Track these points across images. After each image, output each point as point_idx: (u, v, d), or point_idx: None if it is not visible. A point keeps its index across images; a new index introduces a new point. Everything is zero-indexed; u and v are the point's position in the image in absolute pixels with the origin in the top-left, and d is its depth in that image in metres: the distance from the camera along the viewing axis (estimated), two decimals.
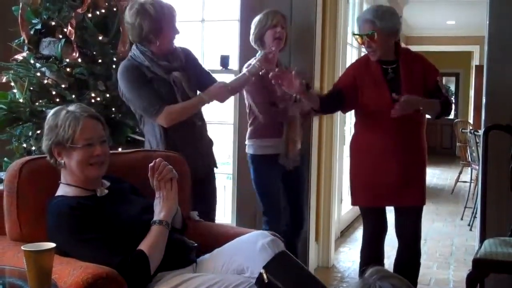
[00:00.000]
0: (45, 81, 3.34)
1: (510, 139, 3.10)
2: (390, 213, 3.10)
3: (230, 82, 3.00)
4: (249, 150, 3.34)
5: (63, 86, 3.32)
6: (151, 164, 2.14)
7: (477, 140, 5.22)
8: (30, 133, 3.34)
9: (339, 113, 4.05)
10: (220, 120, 4.19)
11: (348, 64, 5.01)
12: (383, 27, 2.86)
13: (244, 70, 3.09)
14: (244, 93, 3.28)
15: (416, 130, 3.00)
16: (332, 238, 4.36)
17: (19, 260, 1.70)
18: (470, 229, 5.54)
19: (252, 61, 3.13)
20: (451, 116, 13.00)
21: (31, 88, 3.36)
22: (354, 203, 3.17)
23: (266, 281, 1.97)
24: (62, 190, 2.13)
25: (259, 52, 3.24)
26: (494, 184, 3.17)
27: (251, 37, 3.30)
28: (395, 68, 2.96)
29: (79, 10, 3.31)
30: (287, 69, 3.41)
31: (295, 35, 3.52)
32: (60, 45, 3.30)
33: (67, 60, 3.32)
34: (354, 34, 3.08)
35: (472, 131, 5.74)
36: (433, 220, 5.98)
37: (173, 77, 2.80)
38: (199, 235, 2.38)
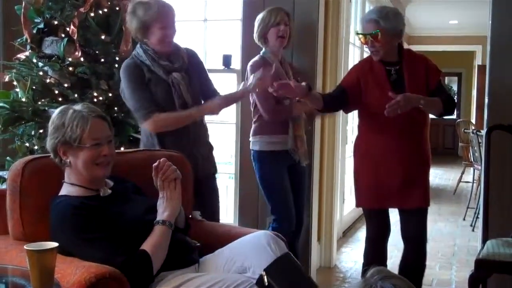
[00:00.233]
0: (48, 80, 3.35)
1: None
2: (391, 213, 3.10)
3: (227, 96, 2.97)
4: (254, 146, 3.32)
5: (65, 85, 3.32)
6: (155, 164, 2.14)
7: (480, 140, 5.21)
8: (32, 132, 3.34)
9: (341, 112, 4.04)
10: (223, 120, 4.18)
11: (350, 63, 5.02)
12: (387, 27, 2.86)
13: (249, 79, 2.95)
14: None
15: (419, 131, 2.99)
16: (334, 238, 4.36)
17: (21, 259, 1.70)
18: (473, 230, 5.53)
19: (255, 58, 3.14)
20: (454, 116, 12.99)
21: (34, 87, 3.37)
22: (358, 204, 3.16)
23: (266, 284, 1.97)
24: (66, 190, 2.13)
25: (263, 50, 3.25)
26: (496, 184, 3.16)
27: (255, 35, 3.30)
28: (399, 70, 2.95)
29: (82, 9, 3.31)
30: (290, 65, 3.42)
31: (297, 33, 3.52)
32: (62, 44, 3.30)
33: (70, 59, 3.32)
34: (357, 33, 3.07)
35: (475, 131, 5.73)
36: (435, 221, 5.97)
37: (172, 78, 2.80)
38: (201, 235, 2.39)
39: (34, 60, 3.42)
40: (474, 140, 5.76)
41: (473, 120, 10.33)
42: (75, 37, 3.30)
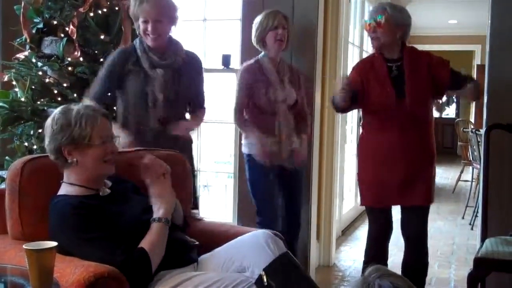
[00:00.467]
0: (47, 80, 3.35)
1: None
2: (393, 212, 3.11)
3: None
4: (244, 149, 3.35)
5: (64, 85, 3.33)
6: (142, 161, 2.16)
7: (479, 139, 5.22)
8: (31, 132, 3.34)
9: None
10: (221, 119, 4.19)
11: (350, 63, 5.02)
12: (393, 15, 2.95)
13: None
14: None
15: (423, 129, 3.01)
16: (333, 237, 4.36)
17: (20, 259, 1.70)
18: (472, 228, 5.54)
19: (250, 61, 3.22)
20: (453, 115, 13.00)
21: (33, 87, 3.37)
22: (363, 203, 3.16)
23: (266, 284, 1.97)
24: (64, 190, 2.13)
25: (262, 53, 3.26)
26: (495, 183, 3.17)
27: (253, 39, 3.30)
28: (400, 66, 2.98)
29: (81, 9, 3.31)
30: (289, 66, 3.42)
31: (297, 34, 3.52)
32: (62, 44, 3.31)
33: (69, 59, 3.32)
34: (365, 21, 3.13)
35: (474, 130, 5.74)
36: (434, 219, 5.97)
37: (155, 73, 2.84)
38: (200, 234, 2.39)
39: (33, 60, 3.43)
40: (473, 139, 5.76)
41: (472, 119, 10.33)
42: (74, 37, 3.30)
